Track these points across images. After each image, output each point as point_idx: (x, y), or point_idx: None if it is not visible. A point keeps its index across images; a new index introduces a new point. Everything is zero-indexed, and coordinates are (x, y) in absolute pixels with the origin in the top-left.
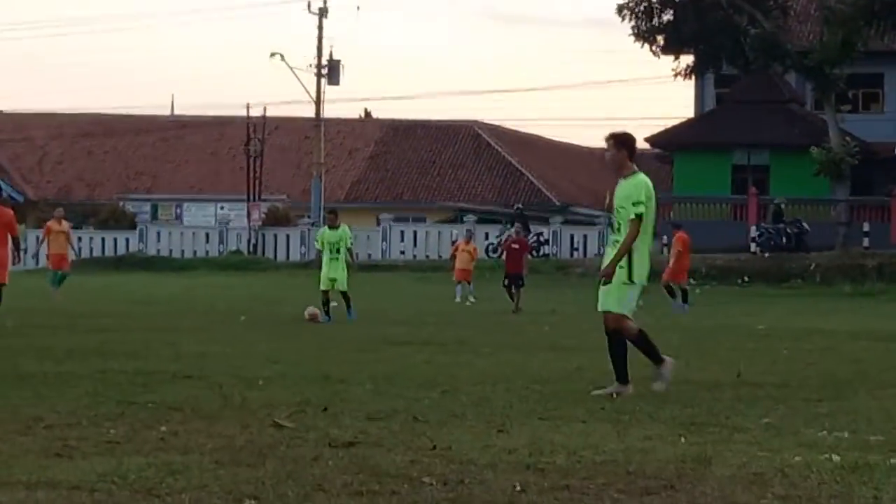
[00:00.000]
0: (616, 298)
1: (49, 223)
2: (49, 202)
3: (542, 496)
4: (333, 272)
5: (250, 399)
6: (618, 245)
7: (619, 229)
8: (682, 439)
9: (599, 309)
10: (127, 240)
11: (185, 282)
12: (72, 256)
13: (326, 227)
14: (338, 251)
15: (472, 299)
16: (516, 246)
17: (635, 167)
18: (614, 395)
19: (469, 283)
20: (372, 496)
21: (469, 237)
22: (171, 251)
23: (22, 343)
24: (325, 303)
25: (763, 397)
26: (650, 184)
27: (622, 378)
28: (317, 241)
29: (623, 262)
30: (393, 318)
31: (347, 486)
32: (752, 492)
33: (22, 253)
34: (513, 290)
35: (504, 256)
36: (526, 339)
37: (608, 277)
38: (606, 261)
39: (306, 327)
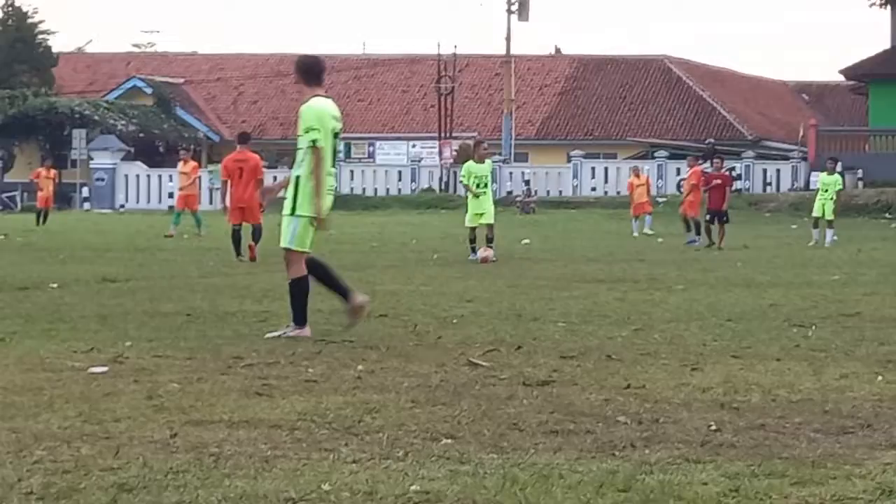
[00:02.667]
0: (282, 232)
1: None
2: None
3: (737, 435)
4: (481, 207)
5: (445, 337)
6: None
7: (301, 161)
8: (879, 377)
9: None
10: None
11: (379, 220)
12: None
13: (472, 160)
14: (486, 185)
15: (648, 231)
16: (719, 181)
17: (316, 92)
18: (283, 336)
19: (648, 215)
20: (567, 435)
21: (637, 171)
22: (364, 189)
23: (222, 282)
24: (473, 239)
25: None
26: (321, 109)
27: (299, 319)
28: (462, 177)
29: (290, 193)
30: (584, 255)
31: (542, 425)
32: None
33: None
34: (714, 226)
35: (706, 192)
36: (718, 275)
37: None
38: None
39: (499, 265)
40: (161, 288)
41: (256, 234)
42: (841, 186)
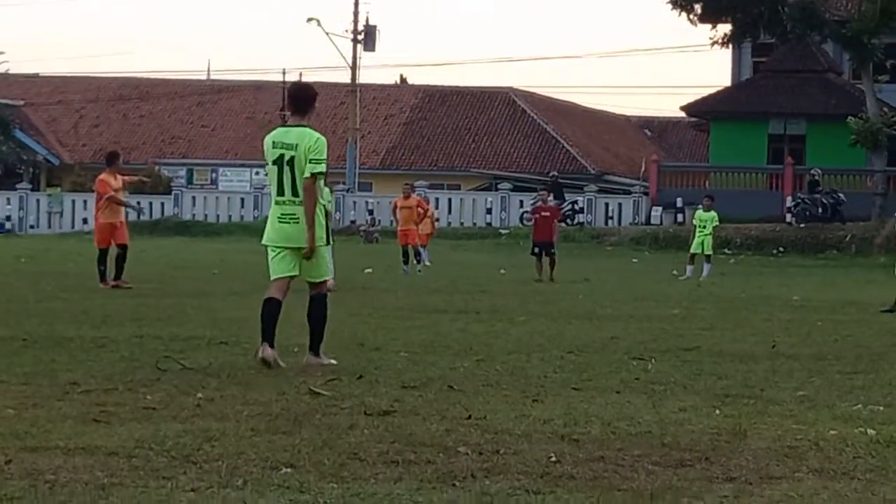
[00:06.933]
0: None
1: None
2: (84, 165)
3: (576, 467)
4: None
5: (286, 366)
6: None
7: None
8: (717, 411)
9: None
10: (162, 204)
11: (221, 247)
12: None
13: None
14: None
15: (417, 269)
16: (547, 213)
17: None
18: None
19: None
20: (407, 465)
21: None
22: (206, 216)
23: (59, 307)
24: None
25: (798, 369)
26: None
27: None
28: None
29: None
30: (427, 285)
31: (383, 455)
32: (787, 465)
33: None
34: (542, 260)
35: (533, 224)
36: (561, 307)
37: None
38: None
39: (341, 294)
40: None
41: (122, 258)
42: (717, 223)
